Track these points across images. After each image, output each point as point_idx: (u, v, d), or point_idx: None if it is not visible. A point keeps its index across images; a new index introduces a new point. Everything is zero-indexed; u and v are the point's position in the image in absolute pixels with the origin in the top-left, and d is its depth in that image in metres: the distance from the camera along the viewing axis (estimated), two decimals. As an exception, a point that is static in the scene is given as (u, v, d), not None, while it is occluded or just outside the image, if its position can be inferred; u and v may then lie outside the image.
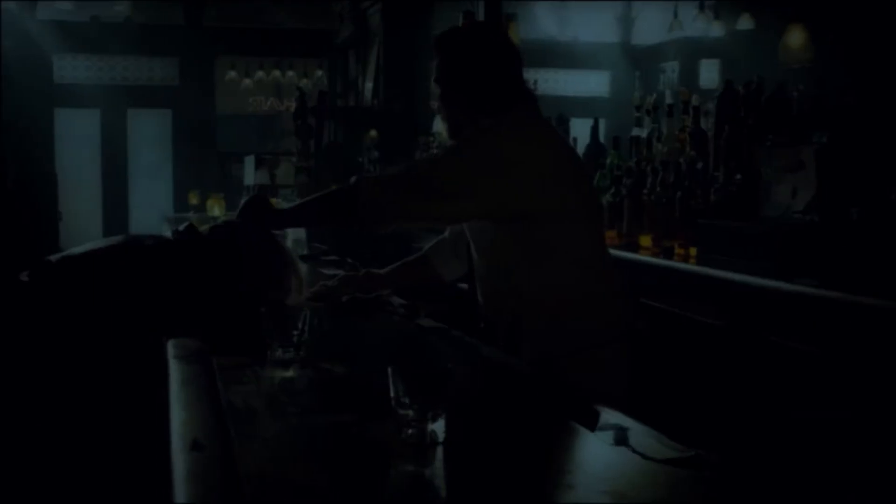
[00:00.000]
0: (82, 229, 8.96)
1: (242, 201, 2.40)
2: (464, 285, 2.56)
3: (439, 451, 1.21)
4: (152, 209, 8.83)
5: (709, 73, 7.72)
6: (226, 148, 9.50)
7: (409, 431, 1.23)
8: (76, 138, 9.14)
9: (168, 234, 2.53)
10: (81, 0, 8.50)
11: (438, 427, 1.23)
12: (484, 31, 2.58)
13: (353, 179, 2.18)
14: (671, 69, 8.36)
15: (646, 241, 3.70)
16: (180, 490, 1.01)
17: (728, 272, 2.95)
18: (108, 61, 9.34)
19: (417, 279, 2.66)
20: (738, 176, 3.33)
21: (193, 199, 7.09)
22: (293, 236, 3.84)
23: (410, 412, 1.23)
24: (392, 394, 1.24)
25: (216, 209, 6.21)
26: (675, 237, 3.49)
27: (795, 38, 4.94)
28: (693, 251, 3.36)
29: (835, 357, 2.46)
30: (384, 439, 1.24)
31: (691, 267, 3.20)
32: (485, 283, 2.32)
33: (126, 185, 9.47)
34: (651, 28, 8.65)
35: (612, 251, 3.69)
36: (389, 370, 1.24)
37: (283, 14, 9.29)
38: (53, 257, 2.45)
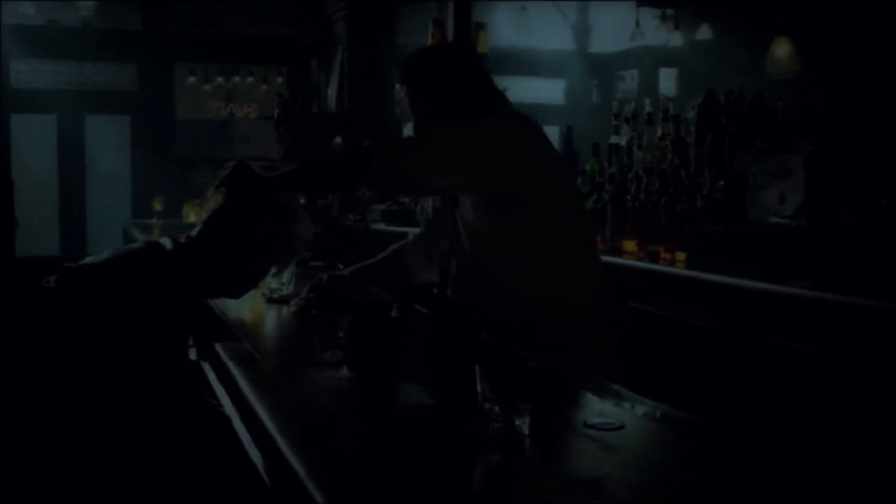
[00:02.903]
0: (39, 236, 8.83)
1: (224, 173, 2.28)
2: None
3: (526, 442, 1.28)
4: (110, 216, 8.73)
5: (668, 82, 7.91)
6: (184, 154, 9.43)
7: (496, 426, 1.30)
8: (33, 144, 8.99)
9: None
10: (39, 1, 8.36)
11: (524, 423, 1.30)
12: (446, 53, 2.56)
13: (366, 143, 2.21)
14: (630, 77, 8.53)
15: (630, 245, 3.78)
16: (311, 486, 1.06)
17: (720, 276, 3.04)
18: (65, 66, 9.21)
19: (387, 280, 2.65)
20: (721, 182, 3.44)
21: (158, 206, 7.01)
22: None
23: (496, 408, 1.30)
24: (479, 390, 1.30)
25: (192, 215, 6.15)
26: (661, 242, 3.58)
27: (781, 49, 5.10)
28: (679, 256, 3.45)
29: (828, 357, 2.56)
30: (472, 433, 1.30)
31: (682, 271, 3.29)
32: (477, 281, 2.39)
33: (84, 191, 9.33)
34: (608, 37, 8.81)
35: (597, 256, 3.81)
36: (476, 367, 1.30)
37: (242, 20, 9.26)
38: (74, 264, 2.45)
